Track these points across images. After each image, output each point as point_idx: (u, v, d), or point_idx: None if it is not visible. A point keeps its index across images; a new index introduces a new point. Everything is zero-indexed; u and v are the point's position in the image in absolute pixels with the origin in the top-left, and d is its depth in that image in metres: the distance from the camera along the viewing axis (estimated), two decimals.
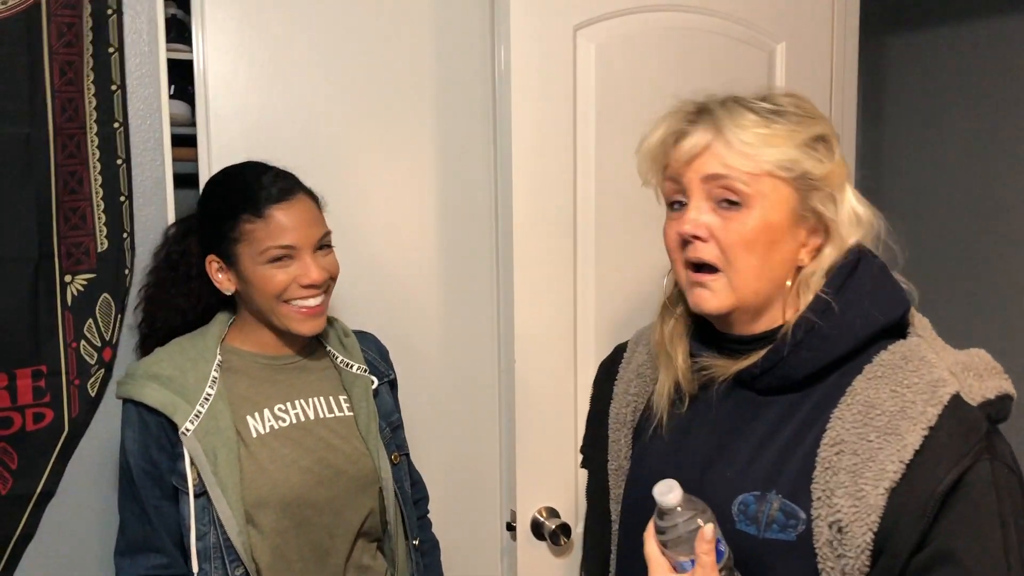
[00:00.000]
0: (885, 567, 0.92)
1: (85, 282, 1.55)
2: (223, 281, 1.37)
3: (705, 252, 1.02)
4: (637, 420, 1.18)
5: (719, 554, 0.97)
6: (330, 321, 1.48)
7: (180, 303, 1.44)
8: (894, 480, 0.91)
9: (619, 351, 1.29)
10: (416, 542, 1.48)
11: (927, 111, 2.38)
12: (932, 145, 2.35)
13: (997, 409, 0.96)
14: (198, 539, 1.30)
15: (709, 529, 0.95)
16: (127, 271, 1.57)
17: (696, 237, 1.01)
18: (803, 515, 0.96)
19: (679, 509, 0.95)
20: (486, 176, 1.81)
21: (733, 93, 1.04)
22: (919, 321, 1.05)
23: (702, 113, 1.03)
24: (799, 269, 1.03)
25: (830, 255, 1.01)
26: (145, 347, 1.48)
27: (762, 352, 1.02)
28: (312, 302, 1.35)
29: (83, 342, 1.55)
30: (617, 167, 1.71)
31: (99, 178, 1.54)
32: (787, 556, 0.97)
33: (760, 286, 1.02)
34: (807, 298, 1.01)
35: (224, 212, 1.34)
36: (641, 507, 1.11)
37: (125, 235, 1.57)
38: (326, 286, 1.36)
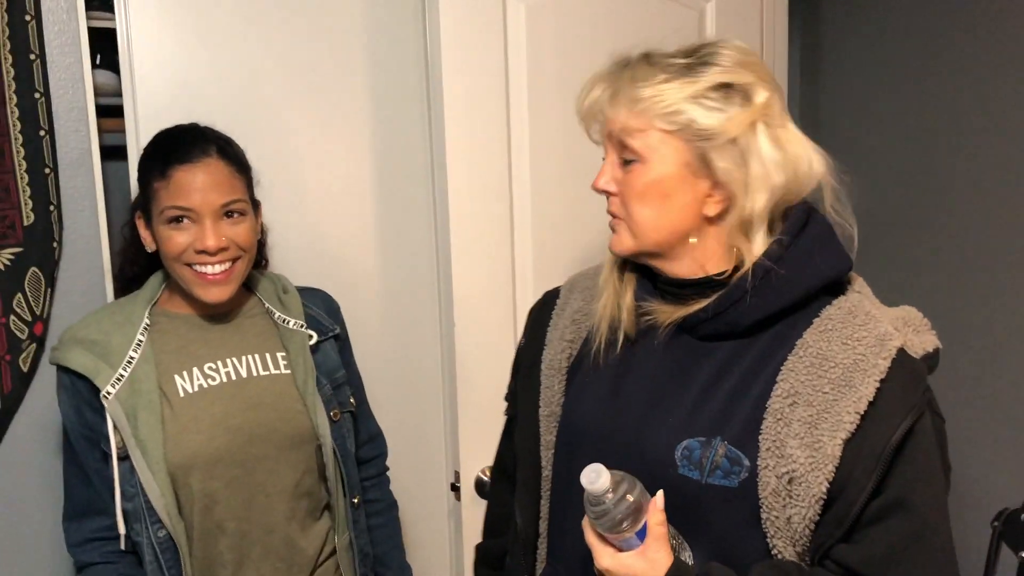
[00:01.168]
0: (837, 515, 0.94)
1: (12, 256, 1.52)
2: (146, 238, 1.37)
3: (612, 205, 1.08)
4: (571, 366, 1.19)
5: None
6: (271, 278, 1.48)
7: (129, 271, 1.45)
8: (850, 431, 0.93)
9: (550, 296, 1.30)
10: (356, 500, 1.48)
11: (865, 69, 2.41)
12: (871, 105, 2.38)
13: (932, 362, 1.01)
14: (126, 500, 1.30)
15: (660, 497, 0.97)
16: (56, 244, 1.55)
17: (605, 191, 1.08)
18: (747, 462, 0.98)
19: (610, 492, 0.96)
20: (421, 138, 1.81)
21: (652, 49, 1.05)
22: (858, 282, 1.09)
23: (614, 71, 1.05)
24: (710, 219, 1.04)
25: (742, 201, 1.01)
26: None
27: (703, 300, 1.04)
28: (210, 269, 1.32)
29: (12, 317, 1.53)
30: (550, 127, 1.71)
31: (21, 150, 1.51)
32: (728, 502, 0.99)
33: (659, 236, 1.05)
34: (749, 249, 1.02)
35: (143, 170, 1.35)
36: (575, 450, 1.14)
37: (52, 208, 1.54)
38: (233, 255, 1.34)
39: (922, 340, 1.01)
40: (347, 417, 1.48)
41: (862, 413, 0.94)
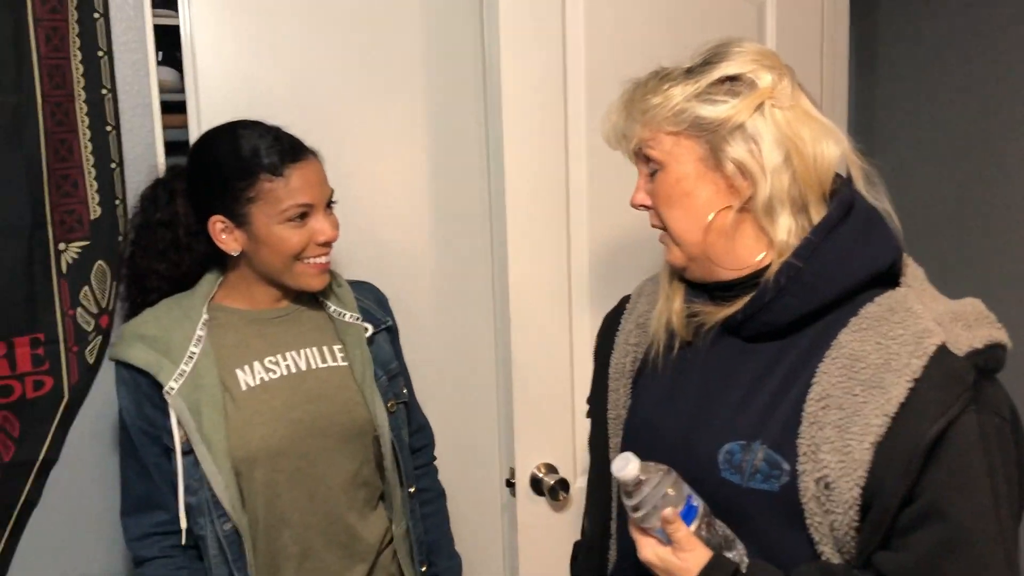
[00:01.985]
0: (874, 522, 0.92)
1: (79, 250, 1.55)
2: (228, 242, 1.35)
3: (652, 218, 1.11)
4: (636, 370, 1.20)
5: (692, 510, 0.98)
6: None
7: (170, 272, 1.42)
8: (879, 434, 0.91)
9: (623, 303, 1.31)
10: (412, 489, 1.49)
11: (922, 60, 2.37)
12: (927, 95, 2.34)
13: (986, 359, 0.95)
14: (189, 495, 1.31)
15: (669, 512, 0.96)
16: (121, 237, 1.58)
17: (642, 206, 1.11)
18: (787, 467, 0.97)
19: (642, 479, 0.96)
20: (477, 134, 1.81)
21: (667, 69, 1.07)
22: (911, 270, 1.05)
23: (627, 92, 1.09)
24: (739, 210, 1.03)
25: (762, 185, 1.00)
26: (135, 314, 1.47)
27: (747, 297, 1.03)
28: (324, 259, 1.37)
29: (80, 309, 1.56)
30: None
31: (89, 145, 1.54)
32: (770, 506, 0.98)
33: (695, 236, 1.05)
34: (776, 232, 1.01)
35: (237, 172, 1.33)
36: (641, 450, 1.13)
37: (118, 202, 1.57)
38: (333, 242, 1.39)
39: (973, 336, 0.95)
40: (402, 408, 1.50)
41: (892, 415, 0.91)
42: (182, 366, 1.31)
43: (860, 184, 1.05)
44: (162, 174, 1.60)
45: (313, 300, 1.47)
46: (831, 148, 1.02)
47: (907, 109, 2.40)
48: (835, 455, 0.93)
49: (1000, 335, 0.97)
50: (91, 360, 1.58)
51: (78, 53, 1.51)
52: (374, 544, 1.43)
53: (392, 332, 1.54)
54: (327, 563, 1.38)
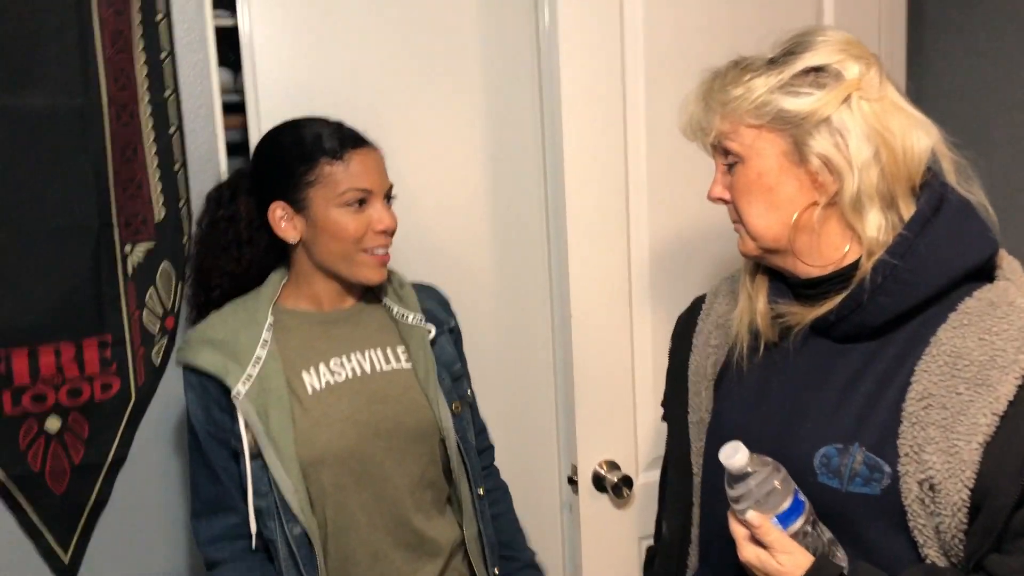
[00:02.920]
0: (986, 524, 0.90)
1: (145, 251, 1.56)
2: (287, 229, 1.35)
3: (731, 212, 1.09)
4: (718, 373, 1.17)
5: (800, 505, 0.96)
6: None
7: (231, 267, 1.42)
8: (987, 434, 0.88)
9: (697, 303, 1.28)
10: (481, 491, 1.48)
11: (979, 46, 2.33)
12: (983, 82, 2.30)
13: None
14: (259, 498, 1.31)
15: (752, 516, 0.94)
16: (185, 239, 1.58)
17: (720, 200, 1.09)
18: (888, 469, 0.94)
19: (749, 471, 0.94)
20: (534, 130, 1.80)
21: (749, 59, 1.05)
22: (1008, 263, 1.02)
23: (705, 83, 1.07)
24: (824, 206, 1.00)
25: (849, 181, 0.97)
26: (200, 315, 1.47)
27: (838, 297, 1.00)
28: (382, 250, 1.36)
29: (145, 311, 1.57)
30: (667, 114, 1.67)
31: (153, 146, 1.55)
32: (872, 510, 0.96)
33: (776, 231, 1.03)
34: (865, 228, 0.98)
35: (299, 156, 1.33)
36: None
37: (182, 203, 1.58)
38: (392, 235, 1.38)
39: None
40: (467, 409, 1.49)
41: (1001, 414, 0.88)
42: (249, 369, 1.31)
43: (951, 177, 1.01)
44: (224, 175, 1.61)
45: (376, 302, 1.46)
46: (921, 140, 0.99)
47: (963, 94, 2.37)
48: (940, 456, 0.90)
49: None
50: (157, 362, 1.59)
51: (142, 55, 1.52)
52: (444, 546, 1.42)
53: (455, 334, 1.53)
54: (396, 565, 1.38)
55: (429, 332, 1.45)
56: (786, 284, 1.09)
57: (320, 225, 1.33)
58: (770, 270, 1.11)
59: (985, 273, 1.00)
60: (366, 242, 1.34)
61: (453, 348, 1.50)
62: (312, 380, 1.36)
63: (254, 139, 1.60)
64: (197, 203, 1.60)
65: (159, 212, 1.56)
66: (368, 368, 1.40)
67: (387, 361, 1.42)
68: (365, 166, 1.33)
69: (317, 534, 1.32)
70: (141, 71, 1.52)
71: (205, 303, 1.45)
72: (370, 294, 1.46)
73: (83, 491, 1.56)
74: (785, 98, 0.98)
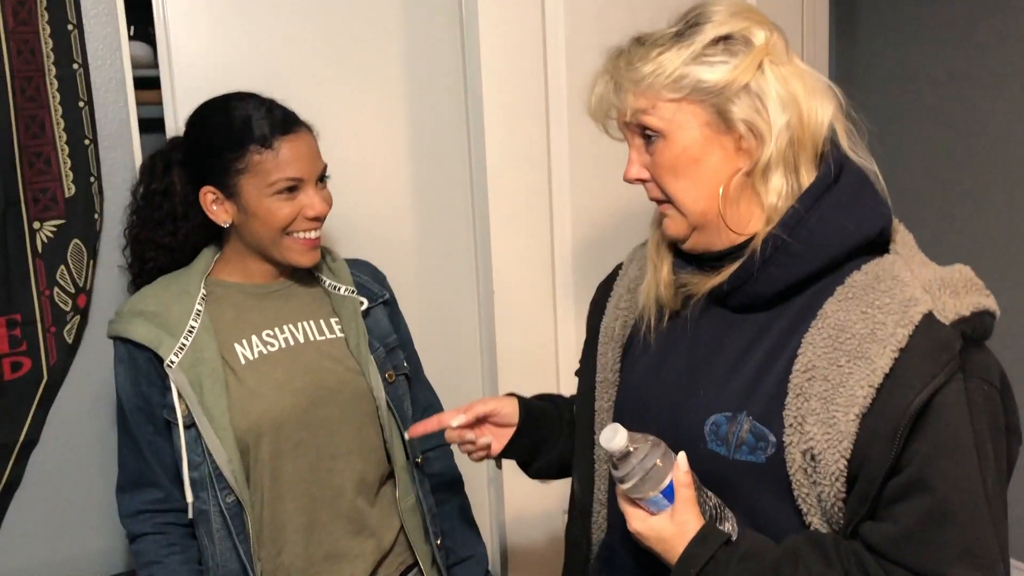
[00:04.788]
0: (861, 493, 0.92)
1: (54, 228, 1.53)
2: (219, 213, 1.35)
3: (651, 191, 1.06)
4: (627, 335, 1.18)
5: None
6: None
7: (167, 241, 1.41)
8: (864, 405, 0.90)
9: (616, 269, 1.29)
10: (419, 460, 1.49)
11: (903, 25, 2.36)
12: (908, 60, 2.33)
13: (973, 326, 0.93)
14: (192, 469, 1.31)
15: (683, 458, 0.96)
16: (96, 216, 1.55)
17: (639, 181, 1.06)
18: (773, 439, 0.96)
19: (631, 450, 0.95)
20: (457, 108, 1.79)
21: (646, 33, 1.04)
22: (901, 237, 1.03)
23: (610, 62, 1.04)
24: (746, 174, 1.00)
25: (768, 146, 0.98)
26: (137, 287, 1.45)
27: (734, 267, 1.01)
28: (312, 234, 1.36)
29: (56, 289, 1.54)
30: (588, 80, 1.69)
31: (61, 121, 1.51)
32: (756, 478, 0.97)
33: (703, 205, 1.02)
34: (768, 195, 0.99)
35: (227, 142, 1.32)
36: (634, 419, 1.11)
37: (92, 179, 1.55)
38: (323, 219, 1.37)
39: (960, 303, 0.93)
40: (402, 380, 1.49)
41: (877, 386, 0.90)
42: (182, 340, 1.31)
43: (844, 141, 1.02)
44: (138, 151, 1.58)
45: (309, 275, 1.47)
46: (826, 105, 0.99)
47: (888, 74, 2.40)
48: (821, 427, 0.92)
49: (988, 302, 0.95)
50: (70, 340, 1.56)
51: (47, 27, 1.48)
52: (380, 519, 1.43)
53: (390, 306, 1.54)
54: (334, 536, 1.39)
55: (361, 304, 1.46)
56: (692, 256, 1.09)
57: (251, 211, 1.33)
58: (675, 244, 1.11)
59: (879, 245, 1.01)
60: (295, 227, 1.34)
61: (388, 320, 1.51)
62: (245, 351, 1.36)
63: (169, 115, 1.57)
64: (108, 179, 1.58)
65: (69, 188, 1.53)
66: (301, 338, 1.40)
67: (319, 332, 1.43)
68: (296, 153, 1.32)
69: (250, 503, 1.33)
70: (47, 44, 1.48)
71: (139, 274, 1.44)
72: (304, 269, 1.45)
73: None
74: (701, 68, 0.98)
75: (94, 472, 1.60)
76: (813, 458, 0.93)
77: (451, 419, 1.24)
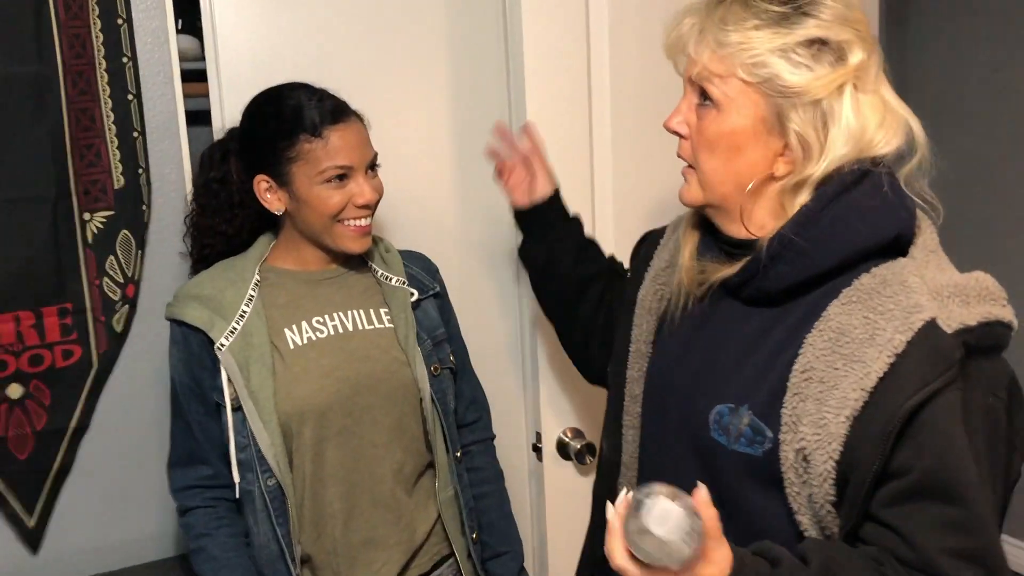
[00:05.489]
0: (851, 497, 0.91)
1: (104, 219, 1.56)
2: (272, 201, 1.38)
3: (682, 149, 1.05)
4: (663, 309, 1.18)
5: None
6: (374, 239, 1.50)
7: (224, 228, 1.44)
8: (855, 408, 0.89)
9: (654, 235, 1.29)
10: (458, 454, 1.50)
11: (955, 21, 2.30)
12: (961, 56, 2.27)
13: (979, 336, 0.91)
14: (239, 450, 1.34)
15: (703, 491, 0.86)
16: (144, 207, 1.58)
17: (676, 133, 1.05)
18: (770, 434, 0.96)
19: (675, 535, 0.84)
20: (500, 98, 1.78)
21: None
22: (922, 240, 1.00)
23: (707, 6, 1.00)
24: (775, 179, 0.99)
25: (812, 167, 0.96)
26: (196, 272, 1.48)
27: (746, 260, 1.01)
28: (363, 221, 1.37)
29: (106, 279, 1.57)
30: (632, 70, 1.67)
31: (111, 114, 1.54)
32: (753, 470, 0.98)
33: (725, 190, 1.01)
34: (791, 209, 0.98)
35: (279, 132, 1.34)
36: (658, 397, 1.15)
37: (141, 171, 1.57)
38: (374, 207, 1.39)
39: (968, 313, 0.91)
40: (447, 373, 1.50)
41: (869, 390, 0.89)
42: (233, 324, 1.34)
43: (908, 171, 0.99)
44: (185, 143, 1.60)
45: (362, 264, 1.48)
46: (891, 140, 0.97)
47: (940, 58, 2.33)
48: (812, 428, 0.92)
49: (1002, 312, 0.93)
50: (119, 329, 1.59)
51: (97, 21, 1.51)
52: (417, 507, 1.45)
53: (441, 299, 1.55)
54: (372, 523, 1.40)
55: (412, 295, 1.48)
56: (715, 240, 1.08)
57: (302, 199, 1.35)
58: (703, 225, 1.11)
59: (898, 248, 0.99)
60: (345, 215, 1.36)
61: (437, 313, 1.52)
62: (294, 336, 1.38)
63: (216, 107, 1.59)
64: (156, 171, 1.60)
65: (118, 180, 1.56)
66: (350, 326, 1.42)
67: (368, 321, 1.44)
68: (345, 141, 1.34)
69: (292, 487, 1.35)
70: (97, 38, 1.51)
71: (199, 260, 1.47)
72: (357, 258, 1.47)
73: (47, 457, 1.57)
74: (783, 64, 0.94)
75: (143, 458, 1.64)
76: (805, 458, 0.93)
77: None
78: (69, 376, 1.56)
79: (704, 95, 1.00)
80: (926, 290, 0.93)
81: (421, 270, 1.53)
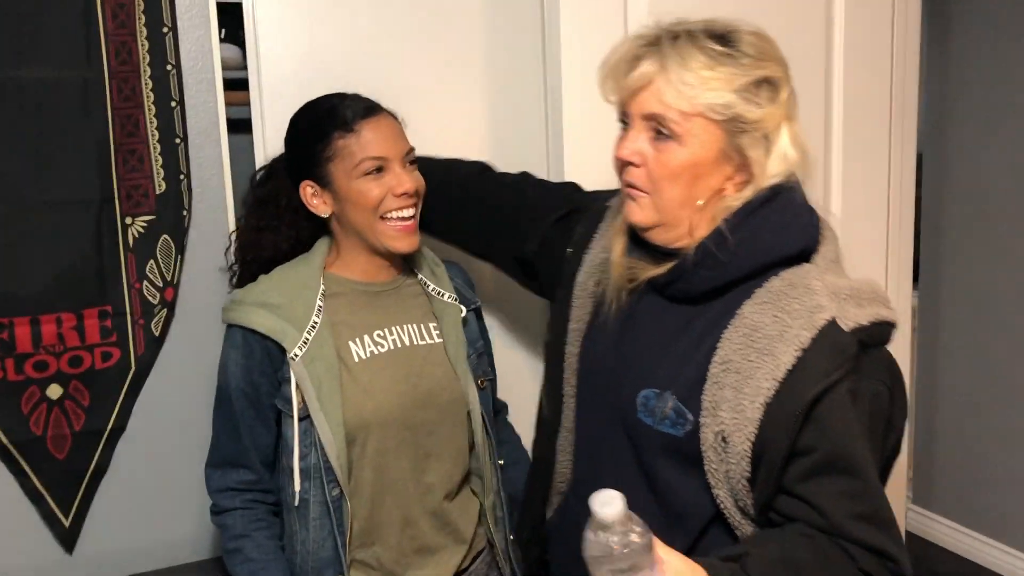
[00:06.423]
0: (765, 473, 1.03)
1: (145, 224, 1.58)
2: (318, 205, 1.39)
3: (636, 176, 1.12)
4: (599, 293, 1.25)
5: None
6: (423, 252, 1.51)
7: (269, 237, 1.45)
8: (768, 396, 1.02)
9: (603, 210, 1.32)
10: (500, 462, 1.54)
11: (999, 18, 2.26)
12: (1005, 55, 2.23)
13: (871, 334, 1.05)
14: (300, 459, 1.35)
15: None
16: (185, 212, 1.61)
17: (630, 163, 1.11)
18: (691, 417, 1.08)
19: (615, 529, 0.88)
20: (537, 102, 1.78)
21: (689, 27, 1.09)
22: (824, 249, 1.12)
23: (655, 45, 1.08)
24: (721, 196, 1.11)
25: (750, 190, 1.09)
26: (241, 281, 1.49)
27: (673, 263, 1.12)
28: (406, 213, 1.37)
29: (146, 283, 1.59)
30: None
31: (154, 120, 1.57)
32: (675, 449, 1.10)
33: (682, 212, 1.11)
34: (720, 221, 1.09)
35: (314, 135, 1.37)
36: (592, 376, 1.25)
37: (182, 177, 1.60)
38: (417, 199, 1.40)
39: (861, 313, 1.05)
40: (489, 385, 1.53)
41: (780, 380, 1.01)
42: (305, 334, 1.35)
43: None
44: (226, 151, 1.63)
45: (413, 277, 1.49)
46: (795, 156, 1.09)
47: (982, 69, 2.30)
48: (731, 413, 1.04)
49: (887, 313, 1.08)
50: (157, 332, 1.61)
51: (143, 29, 1.54)
52: (461, 516, 1.47)
53: (478, 312, 1.57)
54: (424, 532, 1.43)
55: (462, 311, 1.49)
56: (643, 242, 1.18)
57: (344, 197, 1.36)
58: (631, 230, 1.18)
59: (804, 256, 1.11)
60: (385, 206, 1.36)
61: (476, 326, 1.54)
62: (358, 349, 1.40)
63: (256, 116, 1.61)
64: (197, 177, 1.63)
65: (160, 185, 1.58)
66: (407, 341, 1.44)
67: (421, 337, 1.46)
68: (377, 133, 1.36)
69: (354, 497, 1.37)
70: (143, 45, 1.54)
71: (241, 274, 1.48)
72: (408, 269, 1.49)
73: (84, 457, 1.59)
74: (745, 105, 1.06)
75: (179, 460, 1.65)
76: (724, 440, 1.05)
77: None
78: (107, 378, 1.59)
79: (663, 128, 1.07)
80: (827, 292, 1.06)
81: (463, 283, 1.55)
